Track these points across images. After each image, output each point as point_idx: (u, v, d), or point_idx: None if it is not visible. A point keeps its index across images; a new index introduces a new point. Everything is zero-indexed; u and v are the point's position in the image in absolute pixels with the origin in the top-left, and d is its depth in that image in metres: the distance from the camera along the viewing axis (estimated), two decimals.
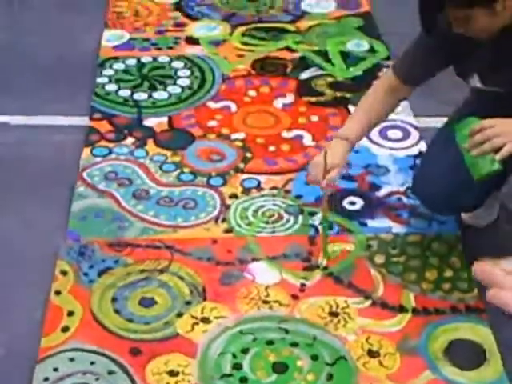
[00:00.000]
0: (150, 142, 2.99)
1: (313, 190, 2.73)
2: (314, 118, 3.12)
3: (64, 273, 2.42)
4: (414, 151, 2.95)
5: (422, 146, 2.95)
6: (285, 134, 3.04)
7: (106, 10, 3.86)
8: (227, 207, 2.68)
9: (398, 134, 3.04)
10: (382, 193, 2.76)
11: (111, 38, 3.63)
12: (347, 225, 2.61)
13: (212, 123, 3.10)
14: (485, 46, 2.11)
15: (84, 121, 3.11)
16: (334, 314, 2.30)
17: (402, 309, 2.32)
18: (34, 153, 2.97)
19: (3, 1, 4.00)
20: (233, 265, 2.46)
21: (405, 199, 2.72)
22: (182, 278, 2.41)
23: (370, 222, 2.63)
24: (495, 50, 2.12)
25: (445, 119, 2.49)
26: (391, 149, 2.97)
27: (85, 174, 2.82)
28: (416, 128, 3.07)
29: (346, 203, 2.70)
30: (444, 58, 2.24)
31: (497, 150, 1.99)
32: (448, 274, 2.44)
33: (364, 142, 2.96)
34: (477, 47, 2.13)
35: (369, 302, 2.34)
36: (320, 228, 2.55)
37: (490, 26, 2.01)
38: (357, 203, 2.70)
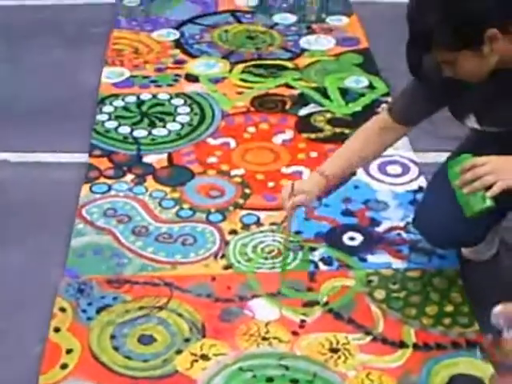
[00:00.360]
0: (150, 178, 2.99)
1: (312, 225, 2.74)
2: (314, 154, 3.13)
3: (63, 310, 2.41)
4: (414, 186, 2.95)
5: (422, 182, 2.96)
6: (284, 170, 3.04)
7: (106, 47, 3.88)
8: (226, 243, 2.68)
9: (397, 169, 3.04)
10: (381, 228, 2.75)
11: (111, 75, 3.65)
12: (347, 260, 2.61)
13: (211, 159, 3.10)
14: (477, 87, 2.11)
15: (83, 158, 3.11)
16: (334, 350, 2.28)
17: (402, 344, 2.30)
18: (33, 189, 2.97)
19: (2, 39, 4.02)
20: (232, 301, 2.45)
21: (404, 234, 2.71)
22: (181, 315, 2.40)
23: (370, 258, 2.62)
24: (488, 91, 2.12)
25: (444, 154, 2.49)
26: (391, 184, 2.97)
27: (84, 211, 2.82)
28: (415, 163, 3.07)
29: (345, 239, 2.69)
30: (438, 99, 2.25)
31: (488, 188, 2.00)
32: (448, 309, 2.43)
33: (363, 177, 2.98)
34: (469, 88, 2.13)
35: (369, 338, 2.33)
36: (282, 248, 2.61)
37: (478, 68, 2.02)
38: (356, 239, 2.70)
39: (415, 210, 2.53)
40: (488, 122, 2.19)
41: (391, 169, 3.04)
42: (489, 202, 2.02)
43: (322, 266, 2.58)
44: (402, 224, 2.76)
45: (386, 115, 2.36)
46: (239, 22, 4.14)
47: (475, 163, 2.02)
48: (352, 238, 2.70)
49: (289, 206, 2.33)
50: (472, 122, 2.22)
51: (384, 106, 3.37)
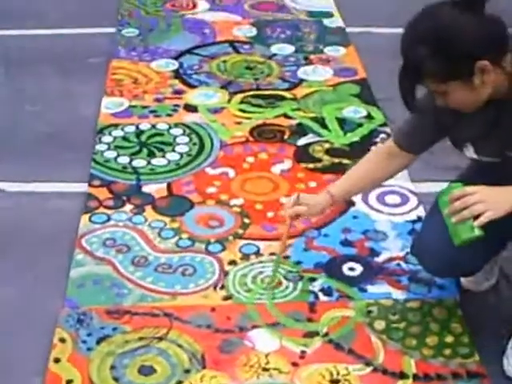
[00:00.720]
0: (149, 208, 2.99)
1: (312, 255, 2.74)
2: (312, 184, 3.14)
3: (62, 340, 2.40)
4: (413, 216, 2.96)
5: (421, 212, 2.96)
6: (283, 200, 3.05)
7: (105, 77, 3.90)
8: (226, 274, 2.68)
9: (396, 199, 3.05)
10: (381, 258, 2.76)
11: (110, 105, 3.67)
12: (347, 291, 2.60)
13: (211, 189, 3.11)
14: (474, 116, 2.13)
15: (83, 187, 3.12)
16: (334, 382, 2.28)
17: (402, 375, 2.30)
18: (32, 219, 2.98)
19: (1, 68, 4.04)
20: (232, 332, 2.44)
21: (404, 265, 2.71)
22: (181, 346, 2.39)
23: (370, 288, 2.62)
24: (483, 120, 2.14)
25: (443, 184, 2.49)
26: (390, 214, 2.98)
27: (83, 241, 2.82)
28: (414, 193, 3.08)
29: (345, 269, 2.70)
30: (437, 128, 2.27)
31: (477, 217, 2.01)
32: (449, 339, 2.42)
33: (362, 207, 2.98)
34: (466, 117, 2.15)
35: (370, 369, 2.32)
36: (275, 258, 2.65)
37: (470, 99, 2.03)
38: (356, 269, 2.70)
39: (413, 238, 2.55)
40: (484, 152, 2.20)
41: (390, 199, 3.05)
42: (477, 232, 2.03)
43: (321, 297, 2.58)
44: (401, 254, 2.76)
45: (392, 142, 2.40)
46: (237, 52, 4.17)
47: (465, 192, 2.04)
48: (352, 269, 2.70)
49: (290, 212, 2.43)
50: (470, 152, 2.23)
51: (383, 135, 3.40)
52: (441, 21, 1.98)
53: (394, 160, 2.41)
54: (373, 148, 2.49)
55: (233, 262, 2.73)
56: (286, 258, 2.74)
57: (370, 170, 2.44)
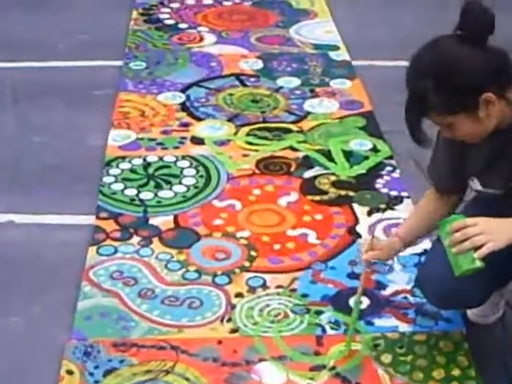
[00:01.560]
0: (156, 240, 3.00)
1: (319, 288, 2.75)
2: (319, 217, 3.15)
3: (70, 373, 2.41)
4: (419, 249, 2.96)
5: (426, 244, 2.96)
6: (290, 232, 3.06)
7: (112, 109, 3.92)
8: (233, 306, 2.68)
9: None
10: (387, 291, 2.76)
11: (118, 137, 3.69)
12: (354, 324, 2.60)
13: (217, 222, 3.12)
14: (479, 148, 2.15)
15: (90, 219, 3.13)
16: None
17: None
18: (39, 251, 2.98)
19: (10, 99, 4.07)
20: (239, 365, 2.44)
21: (411, 298, 2.72)
22: (187, 379, 2.39)
23: (377, 321, 2.62)
24: (490, 151, 2.15)
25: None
26: None
27: (91, 273, 2.83)
28: None
29: (352, 302, 2.70)
30: (451, 164, 2.29)
31: (478, 248, 2.02)
32: (455, 372, 2.42)
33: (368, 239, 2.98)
34: (471, 150, 2.16)
35: None
36: (353, 306, 2.53)
37: (476, 131, 2.05)
38: (363, 302, 2.70)
39: (417, 271, 2.55)
40: (489, 184, 2.21)
41: None
42: (478, 263, 2.04)
43: (329, 330, 2.58)
44: (407, 287, 2.77)
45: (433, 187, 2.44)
46: (244, 85, 4.19)
47: (466, 223, 2.05)
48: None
49: (365, 257, 2.41)
50: (476, 185, 2.24)
51: (389, 168, 3.41)
52: (444, 54, 2.00)
53: (443, 200, 2.42)
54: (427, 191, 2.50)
55: (239, 295, 2.74)
56: (293, 290, 2.75)
57: (428, 211, 2.45)
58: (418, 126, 2.07)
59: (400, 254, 2.54)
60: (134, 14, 5.05)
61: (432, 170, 2.41)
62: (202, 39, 4.72)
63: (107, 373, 2.41)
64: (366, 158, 3.54)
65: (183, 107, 3.95)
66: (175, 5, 5.23)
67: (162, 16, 5.04)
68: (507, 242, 2.01)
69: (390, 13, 5.16)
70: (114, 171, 3.43)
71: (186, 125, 3.80)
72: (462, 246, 2.04)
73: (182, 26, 4.91)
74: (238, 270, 2.85)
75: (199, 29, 4.86)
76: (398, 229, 2.51)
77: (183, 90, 4.11)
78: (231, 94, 4.09)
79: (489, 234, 2.01)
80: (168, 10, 5.15)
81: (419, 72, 2.03)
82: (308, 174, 3.43)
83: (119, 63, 4.42)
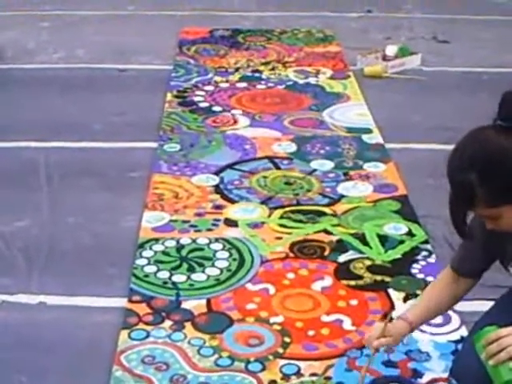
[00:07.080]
0: (188, 325, 2.97)
1: (354, 376, 2.69)
2: (354, 302, 3.10)
3: None
4: (456, 336, 2.90)
5: (464, 331, 2.91)
6: (324, 318, 3.01)
7: (146, 191, 3.94)
8: None
9: (438, 318, 2.99)
10: (424, 380, 2.70)
11: (151, 219, 3.69)
12: None
13: (250, 306, 3.08)
14: None
15: (122, 302, 3.11)
16: None
17: None
18: (70, 334, 2.96)
19: (44, 180, 4.10)
20: None
21: None
22: None
23: None
24: None
25: (487, 303, 2.48)
26: (432, 334, 2.92)
27: (122, 358, 2.79)
28: (457, 312, 3.03)
29: None
30: (487, 250, 2.26)
31: None
32: None
33: None
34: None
35: None
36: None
37: None
38: None
39: (453, 360, 2.50)
40: None
41: None
42: None
43: None
44: (444, 375, 2.70)
45: (450, 269, 2.40)
46: (277, 167, 4.20)
47: (500, 334, 2.02)
48: None
49: (376, 344, 2.39)
50: None
51: (424, 253, 3.38)
52: (488, 146, 1.98)
53: (458, 284, 2.40)
54: (440, 273, 2.47)
55: (273, 382, 2.68)
56: (328, 378, 2.69)
57: (440, 294, 2.42)
58: (463, 219, 2.05)
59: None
60: (169, 96, 5.12)
61: (460, 253, 2.38)
62: (235, 122, 4.77)
63: None
64: (401, 242, 3.50)
65: (217, 189, 3.96)
66: (209, 88, 5.30)
67: (196, 99, 5.11)
68: None
69: (422, 97, 5.20)
70: (147, 253, 3.42)
71: (219, 207, 3.79)
72: (498, 357, 2.01)
73: (216, 108, 4.96)
74: (271, 357, 2.80)
75: (233, 112, 4.91)
76: (406, 312, 2.46)
77: (217, 173, 4.13)
78: (265, 177, 4.10)
79: None
80: (202, 92, 5.21)
81: (463, 165, 2.00)
82: (342, 258, 3.40)
83: (154, 145, 4.46)
